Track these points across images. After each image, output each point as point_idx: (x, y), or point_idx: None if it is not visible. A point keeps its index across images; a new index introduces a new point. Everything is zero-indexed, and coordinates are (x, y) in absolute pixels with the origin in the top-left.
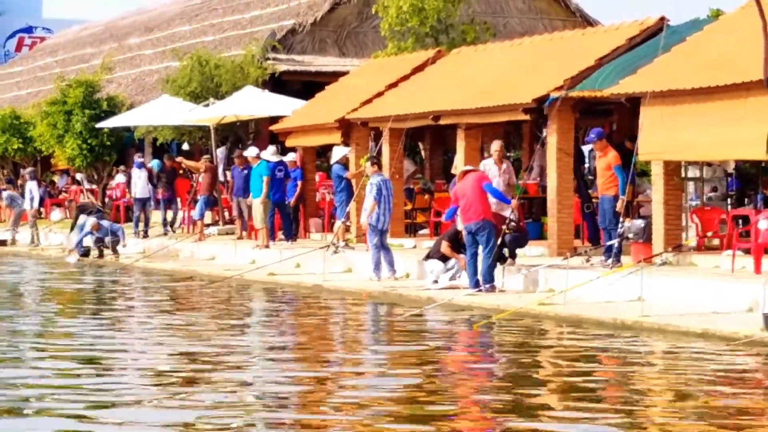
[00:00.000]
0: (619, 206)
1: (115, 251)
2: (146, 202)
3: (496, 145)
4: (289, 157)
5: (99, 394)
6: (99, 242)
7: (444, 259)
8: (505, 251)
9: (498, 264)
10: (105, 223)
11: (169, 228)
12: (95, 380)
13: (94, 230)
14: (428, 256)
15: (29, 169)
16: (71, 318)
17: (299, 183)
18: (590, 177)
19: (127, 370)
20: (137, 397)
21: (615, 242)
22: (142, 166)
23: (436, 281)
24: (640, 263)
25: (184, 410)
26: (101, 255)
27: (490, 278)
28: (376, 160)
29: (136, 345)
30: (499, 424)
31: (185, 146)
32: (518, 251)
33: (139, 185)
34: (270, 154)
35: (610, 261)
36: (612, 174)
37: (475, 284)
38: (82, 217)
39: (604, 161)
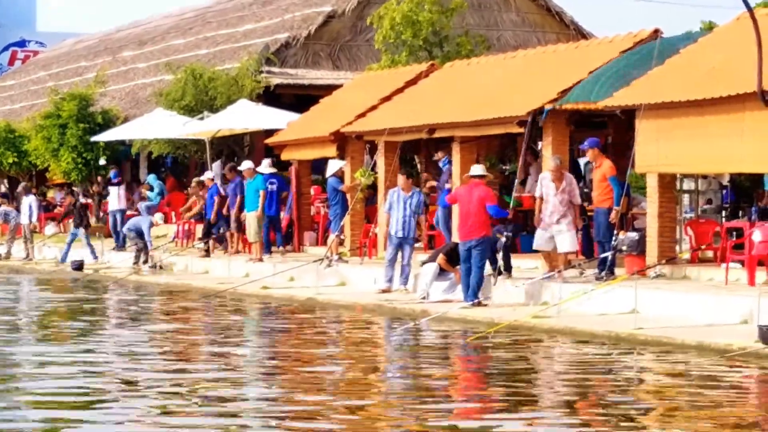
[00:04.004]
0: (613, 217)
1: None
2: (116, 214)
3: (552, 163)
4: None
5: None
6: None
7: (441, 270)
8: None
9: (494, 277)
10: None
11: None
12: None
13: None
14: (426, 261)
15: (23, 184)
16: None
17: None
18: (585, 190)
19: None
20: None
21: (609, 255)
22: (117, 176)
23: (425, 297)
24: (634, 276)
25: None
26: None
27: (478, 293)
28: (410, 174)
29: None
30: None
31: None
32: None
33: (114, 199)
34: (265, 166)
35: (603, 273)
36: (607, 185)
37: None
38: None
39: (599, 172)
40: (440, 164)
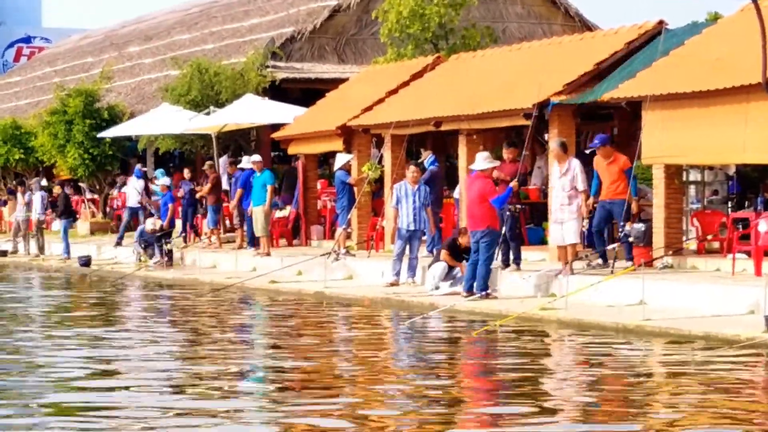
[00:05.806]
0: (635, 207)
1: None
2: (138, 211)
3: (553, 143)
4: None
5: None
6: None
7: (449, 266)
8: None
9: (502, 269)
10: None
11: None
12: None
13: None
14: (434, 261)
15: (35, 179)
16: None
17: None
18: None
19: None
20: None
21: (615, 246)
22: (142, 176)
23: (437, 288)
24: (641, 267)
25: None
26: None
27: (485, 285)
28: (418, 166)
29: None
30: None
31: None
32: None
33: (134, 195)
34: (246, 161)
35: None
36: (625, 178)
37: (469, 289)
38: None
39: (616, 166)
40: (425, 164)
